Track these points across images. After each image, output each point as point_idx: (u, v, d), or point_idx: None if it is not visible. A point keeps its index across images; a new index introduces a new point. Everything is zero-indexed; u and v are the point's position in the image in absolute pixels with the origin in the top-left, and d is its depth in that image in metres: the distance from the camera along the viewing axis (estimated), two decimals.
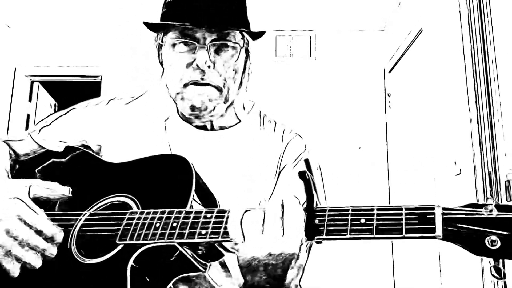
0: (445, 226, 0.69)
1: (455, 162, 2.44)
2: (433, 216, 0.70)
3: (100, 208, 0.94)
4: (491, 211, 0.68)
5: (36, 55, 3.90)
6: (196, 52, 1.01)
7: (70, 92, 3.62)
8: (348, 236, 0.73)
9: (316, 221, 0.75)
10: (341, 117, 3.71)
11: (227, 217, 0.79)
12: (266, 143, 1.12)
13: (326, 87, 3.80)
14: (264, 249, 0.75)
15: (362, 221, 0.73)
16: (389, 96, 3.76)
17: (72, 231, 0.91)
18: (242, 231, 0.76)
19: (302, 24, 3.85)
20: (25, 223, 0.84)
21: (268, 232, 0.75)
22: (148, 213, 0.86)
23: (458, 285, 2.42)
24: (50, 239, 0.86)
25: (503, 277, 0.67)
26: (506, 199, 2.03)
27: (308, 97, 3.74)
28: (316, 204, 0.76)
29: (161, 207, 0.86)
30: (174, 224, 0.82)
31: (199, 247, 0.87)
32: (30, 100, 3.99)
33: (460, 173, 2.39)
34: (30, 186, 0.90)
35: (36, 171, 1.06)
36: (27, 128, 3.48)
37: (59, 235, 0.86)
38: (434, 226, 0.69)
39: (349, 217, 0.74)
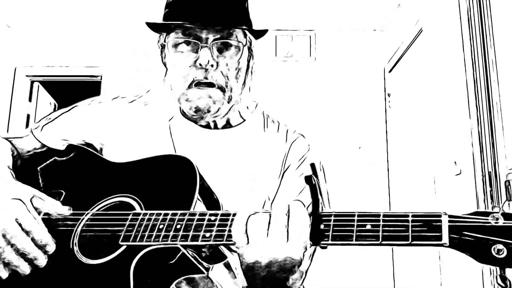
0: (452, 234, 0.69)
1: (455, 162, 2.44)
2: (439, 223, 0.70)
3: (103, 208, 0.93)
4: (497, 219, 0.68)
5: (36, 55, 3.90)
6: (199, 52, 1.01)
7: (70, 92, 3.62)
8: (354, 242, 0.72)
9: (322, 226, 0.75)
10: (341, 117, 3.71)
11: (232, 220, 0.79)
12: (270, 143, 1.13)
13: (326, 87, 3.79)
14: (268, 253, 0.74)
15: (368, 227, 0.72)
16: (389, 96, 3.76)
17: (74, 231, 0.90)
18: (247, 235, 0.75)
19: (302, 24, 3.85)
20: (21, 227, 0.84)
21: (273, 236, 0.74)
22: (151, 215, 0.85)
23: (458, 286, 2.42)
24: (42, 248, 0.85)
25: (508, 286, 0.67)
26: (506, 199, 2.03)
27: (308, 97, 3.74)
28: (322, 209, 0.76)
29: (165, 209, 0.85)
30: (178, 226, 0.82)
31: (203, 250, 0.87)
32: (30, 100, 3.99)
33: (460, 173, 2.38)
34: (33, 196, 0.90)
35: (38, 168, 1.05)
36: (27, 128, 3.47)
37: (51, 247, 0.86)
38: (440, 234, 0.69)
39: (355, 223, 0.73)
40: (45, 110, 4.09)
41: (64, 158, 1.05)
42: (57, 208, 0.91)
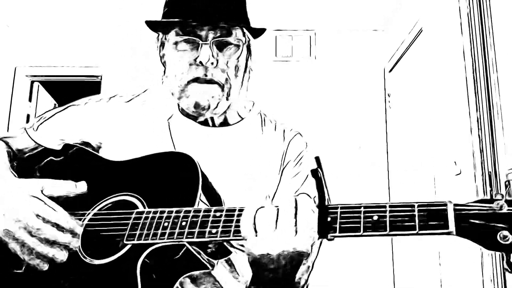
0: (458, 222, 0.70)
1: (455, 162, 2.44)
2: (445, 212, 0.71)
3: (104, 207, 0.92)
4: (501, 206, 0.69)
5: (36, 55, 3.90)
6: (199, 50, 1.02)
7: (70, 92, 3.61)
8: (362, 233, 0.73)
9: (329, 219, 0.75)
10: (341, 117, 3.71)
11: (238, 215, 0.80)
12: (268, 141, 1.13)
13: (326, 87, 3.79)
14: (276, 246, 0.75)
15: (375, 218, 0.73)
16: (389, 96, 3.76)
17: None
18: (255, 228, 0.76)
19: (302, 24, 3.85)
20: (45, 220, 0.85)
21: (281, 229, 0.75)
22: (155, 212, 0.85)
23: (458, 285, 2.42)
24: (71, 233, 0.87)
25: None
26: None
27: (308, 97, 3.74)
28: (328, 202, 0.77)
29: (168, 206, 0.85)
30: (183, 223, 0.82)
31: (209, 246, 0.87)
32: (30, 100, 3.99)
33: (460, 173, 2.38)
34: (43, 187, 0.90)
35: (36, 168, 1.04)
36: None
37: (78, 228, 0.88)
38: (447, 222, 0.70)
39: (362, 214, 0.74)
40: (45, 110, 4.09)
41: (61, 158, 1.04)
42: (73, 188, 0.92)
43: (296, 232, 0.74)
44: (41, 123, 1.13)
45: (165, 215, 0.84)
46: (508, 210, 0.68)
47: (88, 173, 1.00)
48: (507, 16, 2.12)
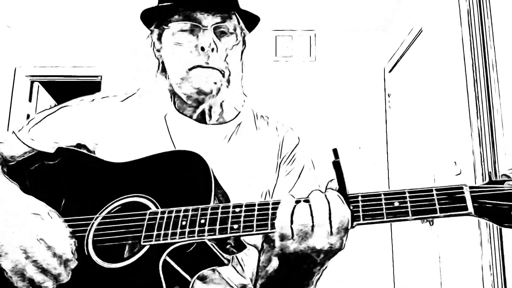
0: (475, 203, 0.75)
1: (455, 162, 2.44)
2: (463, 195, 0.75)
3: (113, 210, 0.90)
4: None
5: (36, 55, 3.89)
6: (200, 36, 1.03)
7: (70, 92, 3.61)
8: (385, 219, 0.76)
9: (351, 208, 0.78)
10: (341, 117, 3.71)
11: (259, 209, 0.81)
12: (263, 137, 1.14)
13: (326, 87, 3.79)
14: (311, 244, 0.77)
15: (396, 204, 0.77)
16: (389, 96, 3.76)
17: (86, 236, 0.88)
18: (292, 228, 0.77)
19: (302, 24, 3.85)
20: (44, 243, 0.82)
21: (318, 229, 0.76)
22: (170, 212, 0.85)
23: (458, 285, 2.42)
24: (64, 264, 0.83)
25: None
26: None
27: (308, 97, 3.74)
28: (348, 192, 0.79)
29: (182, 206, 0.85)
30: (202, 221, 0.82)
31: (228, 241, 0.87)
32: (30, 100, 3.99)
33: (460, 173, 2.38)
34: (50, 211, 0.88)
35: (26, 172, 1.00)
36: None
37: (73, 263, 0.84)
38: (465, 204, 0.75)
39: (383, 201, 0.77)
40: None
41: (55, 162, 1.01)
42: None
43: (331, 228, 0.76)
44: (32, 126, 1.08)
45: (181, 214, 0.84)
46: None
47: (89, 177, 0.98)
48: (507, 16, 2.12)
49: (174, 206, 0.85)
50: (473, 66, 2.27)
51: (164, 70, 1.12)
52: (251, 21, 1.12)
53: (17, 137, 1.07)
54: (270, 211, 0.81)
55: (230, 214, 0.82)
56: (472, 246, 2.20)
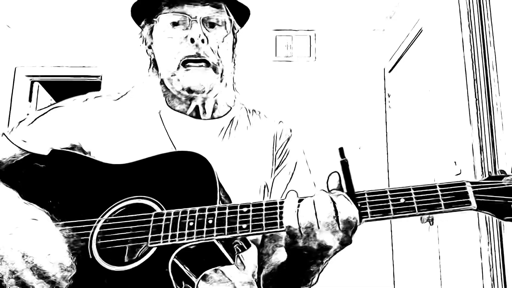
0: (477, 198, 0.78)
1: (455, 162, 2.44)
2: (466, 190, 0.79)
3: (116, 212, 0.89)
4: (510, 181, 0.78)
5: (36, 55, 3.89)
6: (190, 28, 1.03)
7: (70, 92, 3.61)
8: (393, 215, 0.78)
9: (359, 205, 0.80)
10: (341, 117, 3.71)
11: (267, 209, 0.82)
12: (257, 130, 1.14)
13: (326, 87, 3.79)
14: (320, 243, 0.78)
15: (402, 200, 0.79)
16: (389, 96, 3.76)
17: (90, 239, 0.87)
18: (300, 228, 0.78)
19: (302, 24, 3.85)
20: (41, 249, 0.81)
21: (325, 228, 0.78)
22: (176, 213, 0.84)
23: (458, 285, 2.42)
24: (63, 271, 0.82)
25: None
26: None
27: (308, 97, 3.74)
28: (354, 190, 0.80)
29: (188, 207, 0.84)
30: (210, 222, 0.82)
31: (235, 241, 0.88)
32: (30, 100, 3.99)
33: (460, 173, 2.38)
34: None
35: (18, 175, 0.97)
36: None
37: (71, 271, 0.83)
38: (469, 199, 0.78)
39: (389, 198, 0.79)
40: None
41: (49, 164, 0.99)
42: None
43: (339, 226, 0.77)
44: (24, 127, 1.05)
45: (188, 215, 0.84)
46: None
47: (87, 179, 0.96)
48: (507, 16, 2.12)
49: (178, 208, 0.85)
50: (473, 66, 2.27)
51: (156, 67, 1.12)
52: (241, 13, 1.12)
53: (8, 139, 1.04)
54: (278, 210, 0.81)
55: (238, 214, 0.82)
56: (472, 246, 2.20)
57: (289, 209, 0.79)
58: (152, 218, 0.85)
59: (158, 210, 0.87)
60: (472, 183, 0.80)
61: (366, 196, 0.80)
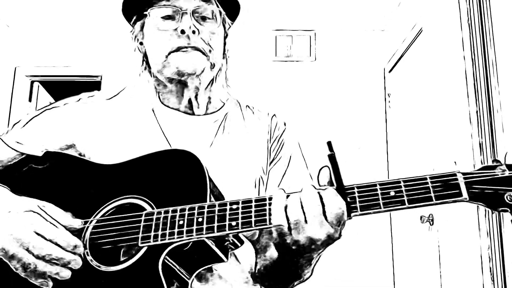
0: (469, 189, 0.76)
1: (455, 162, 2.44)
2: (457, 181, 0.77)
3: (107, 213, 0.90)
4: (503, 170, 0.76)
5: (36, 55, 3.89)
6: (180, 20, 1.03)
7: (70, 92, 3.61)
8: (382, 209, 0.77)
9: (348, 199, 0.79)
10: (341, 117, 3.71)
11: (256, 205, 0.81)
12: (251, 125, 1.14)
13: (326, 87, 3.79)
14: (308, 237, 0.78)
15: (392, 193, 0.78)
16: (389, 96, 3.76)
17: (82, 240, 0.87)
18: (288, 222, 0.78)
19: (302, 24, 3.85)
20: (44, 238, 0.82)
21: (312, 222, 0.77)
22: (166, 212, 0.84)
23: (458, 285, 2.42)
24: (73, 251, 0.84)
25: None
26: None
27: (308, 97, 3.74)
28: (343, 183, 0.80)
29: (178, 205, 0.84)
30: (200, 220, 0.82)
31: (226, 239, 0.87)
32: (30, 100, 3.99)
33: None
34: (43, 205, 0.87)
35: (14, 177, 0.98)
36: None
37: (80, 248, 0.85)
38: (459, 190, 0.76)
39: (379, 191, 0.78)
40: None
41: (44, 166, 0.99)
42: (69, 220, 0.88)
43: (326, 220, 0.77)
44: (18, 130, 1.06)
45: (178, 213, 0.83)
46: (510, 173, 0.76)
47: (79, 180, 0.96)
48: (507, 16, 2.12)
49: (169, 206, 0.85)
50: (473, 66, 2.27)
51: (147, 63, 1.13)
52: (231, 7, 1.13)
53: (3, 141, 1.05)
54: (267, 206, 0.81)
55: (228, 212, 0.82)
56: (472, 246, 2.20)
57: (277, 206, 0.79)
58: (143, 218, 0.85)
59: (149, 209, 0.87)
60: (463, 173, 0.77)
61: (355, 190, 0.80)
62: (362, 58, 3.85)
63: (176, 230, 0.82)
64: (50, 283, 0.83)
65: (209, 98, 1.13)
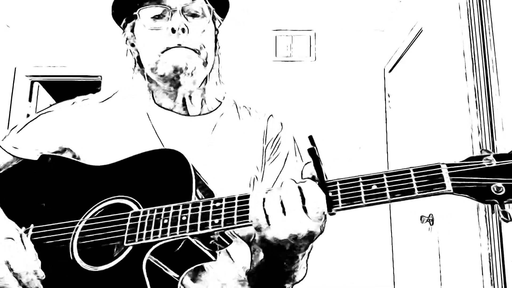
0: (453, 181, 0.74)
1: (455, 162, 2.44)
2: (440, 173, 0.74)
3: (96, 213, 0.90)
4: (490, 161, 0.73)
5: (36, 55, 3.89)
6: (170, 19, 1.04)
7: (70, 92, 3.61)
8: (364, 203, 0.76)
9: (330, 194, 0.77)
10: (341, 117, 3.71)
11: (240, 202, 0.81)
12: (246, 125, 1.15)
13: (326, 87, 3.79)
14: (288, 231, 0.77)
15: (374, 187, 0.76)
16: (389, 96, 3.76)
17: (71, 241, 0.88)
18: (266, 214, 0.77)
19: (302, 24, 3.85)
20: (11, 270, 0.84)
21: (291, 215, 0.76)
22: (152, 211, 0.85)
23: (458, 285, 2.42)
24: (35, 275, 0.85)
25: (510, 219, 0.71)
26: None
27: (308, 97, 3.74)
28: (326, 178, 0.78)
29: (164, 204, 0.84)
30: (184, 218, 0.82)
31: (211, 237, 0.87)
32: (30, 100, 3.99)
33: None
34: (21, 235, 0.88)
35: (11, 181, 0.99)
36: None
37: (40, 273, 0.85)
38: (444, 182, 0.74)
39: (361, 185, 0.77)
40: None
41: (39, 169, 1.01)
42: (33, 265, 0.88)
43: (306, 213, 0.76)
44: (14, 134, 1.08)
45: (163, 212, 0.84)
46: (497, 163, 0.73)
47: (72, 182, 0.97)
48: (507, 16, 2.12)
49: (156, 206, 0.85)
50: (473, 66, 2.27)
51: (140, 64, 1.13)
52: (220, 4, 1.14)
53: (0, 147, 1.07)
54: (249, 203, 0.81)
55: (211, 210, 0.81)
56: (472, 246, 2.20)
57: (255, 200, 0.79)
58: (129, 218, 0.86)
59: (136, 209, 0.87)
60: (448, 165, 0.75)
61: (338, 184, 0.78)
62: (362, 58, 3.85)
63: (160, 229, 0.82)
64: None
65: (204, 97, 1.13)
